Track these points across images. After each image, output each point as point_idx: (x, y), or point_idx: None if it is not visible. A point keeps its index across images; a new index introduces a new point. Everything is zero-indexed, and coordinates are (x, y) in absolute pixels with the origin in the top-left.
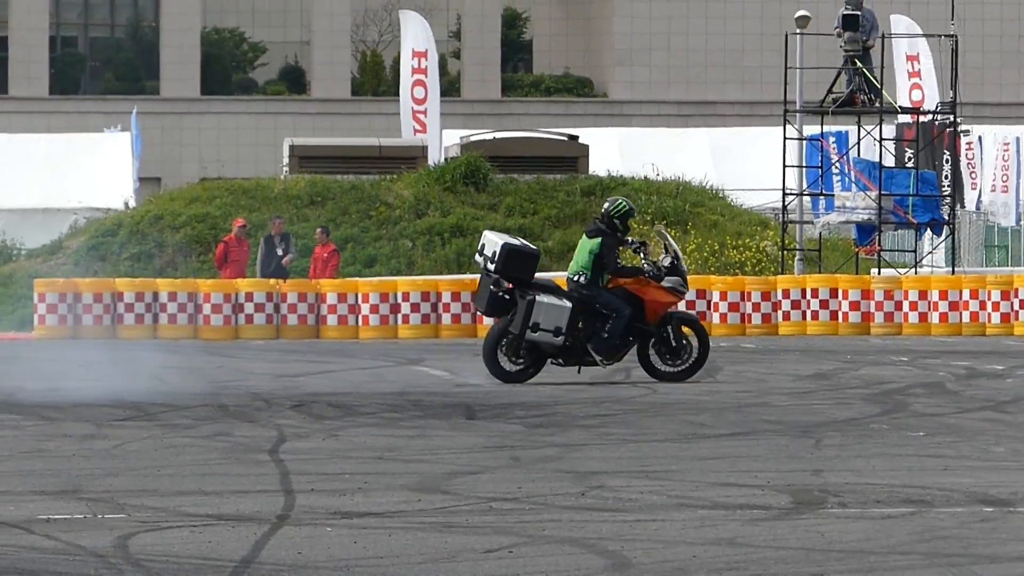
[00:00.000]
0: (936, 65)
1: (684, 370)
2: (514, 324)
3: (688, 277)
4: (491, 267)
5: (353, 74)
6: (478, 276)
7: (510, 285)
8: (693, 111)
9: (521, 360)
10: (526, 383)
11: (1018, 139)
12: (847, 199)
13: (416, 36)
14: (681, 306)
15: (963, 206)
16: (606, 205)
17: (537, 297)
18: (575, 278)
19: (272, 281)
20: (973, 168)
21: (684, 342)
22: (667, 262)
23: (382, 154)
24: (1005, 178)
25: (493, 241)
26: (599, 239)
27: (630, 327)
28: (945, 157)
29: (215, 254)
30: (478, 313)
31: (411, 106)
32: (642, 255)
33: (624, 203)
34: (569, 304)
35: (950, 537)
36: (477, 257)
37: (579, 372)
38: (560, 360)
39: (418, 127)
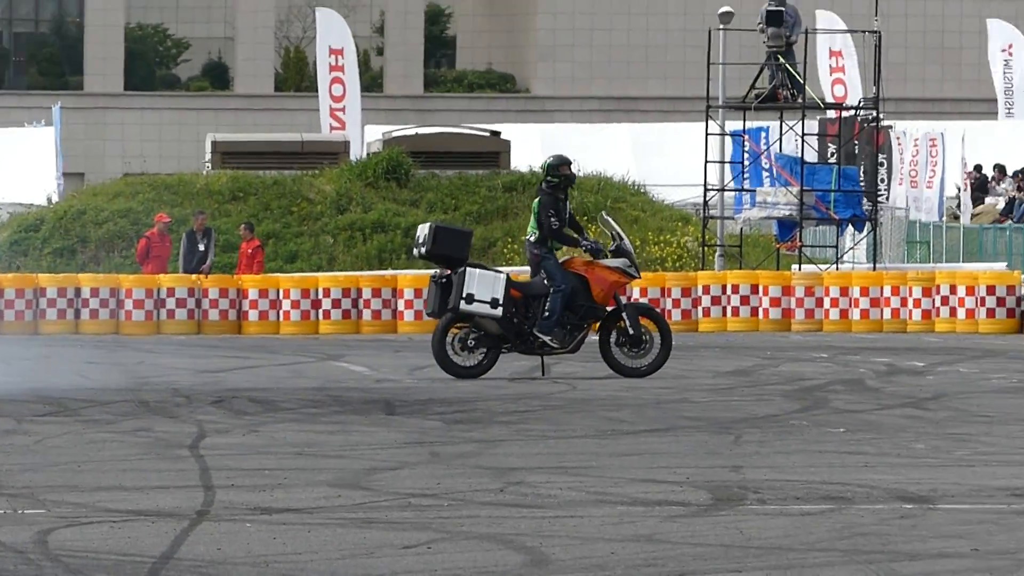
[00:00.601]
0: (859, 61)
1: (649, 365)
2: (451, 299)
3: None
4: (424, 251)
5: (276, 70)
6: (399, 272)
7: (447, 271)
8: (615, 107)
9: (473, 353)
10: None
11: (943, 135)
12: (768, 195)
13: (333, 33)
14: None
15: (887, 201)
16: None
17: (469, 268)
18: (528, 239)
19: (194, 276)
20: (904, 165)
21: (644, 332)
22: (612, 247)
23: (304, 150)
24: (932, 174)
25: (423, 228)
26: (537, 198)
27: (579, 308)
28: (866, 152)
29: (137, 249)
30: (425, 316)
31: (329, 103)
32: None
33: (549, 158)
34: (503, 274)
35: (870, 534)
36: (415, 251)
37: (544, 375)
38: (510, 345)
39: (336, 124)
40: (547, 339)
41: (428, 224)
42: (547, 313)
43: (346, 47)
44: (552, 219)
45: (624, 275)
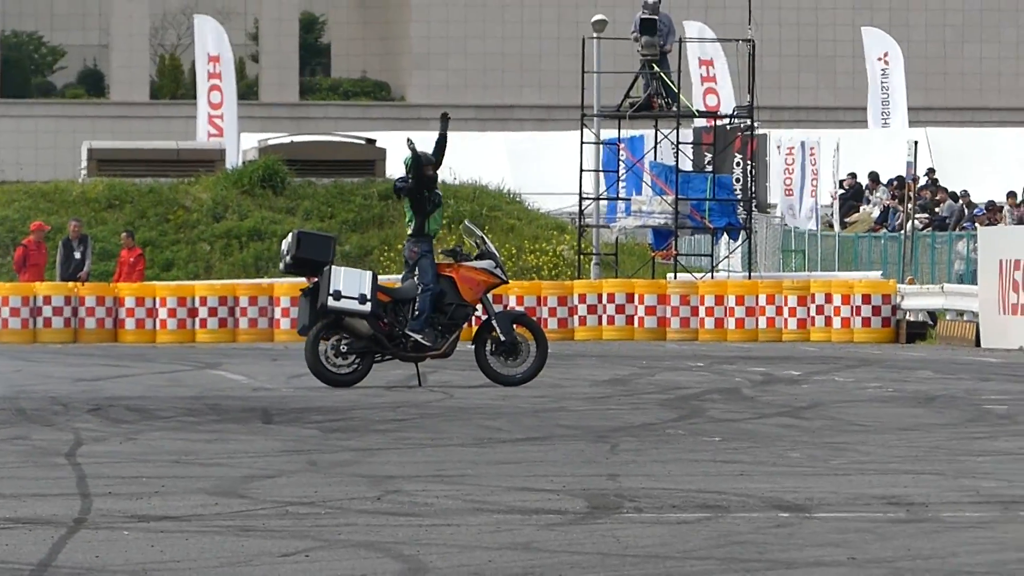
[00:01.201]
0: (732, 70)
1: (525, 372)
2: (319, 297)
3: None
4: (289, 259)
5: (152, 77)
6: (276, 280)
7: (315, 280)
8: (490, 115)
9: (346, 360)
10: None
11: (819, 143)
12: (643, 203)
13: (210, 40)
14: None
15: (763, 211)
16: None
17: (334, 267)
18: (409, 236)
19: (70, 284)
20: (789, 174)
21: (518, 340)
22: (477, 253)
23: (180, 157)
24: (814, 183)
25: (287, 240)
26: (405, 198)
27: (448, 307)
28: (736, 160)
29: (14, 258)
30: (298, 333)
31: (207, 110)
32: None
33: (406, 158)
34: (370, 272)
35: (746, 542)
36: (280, 265)
37: (420, 383)
38: (383, 352)
39: (214, 131)
40: (419, 337)
41: (291, 232)
42: (417, 312)
43: (223, 54)
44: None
45: (491, 276)
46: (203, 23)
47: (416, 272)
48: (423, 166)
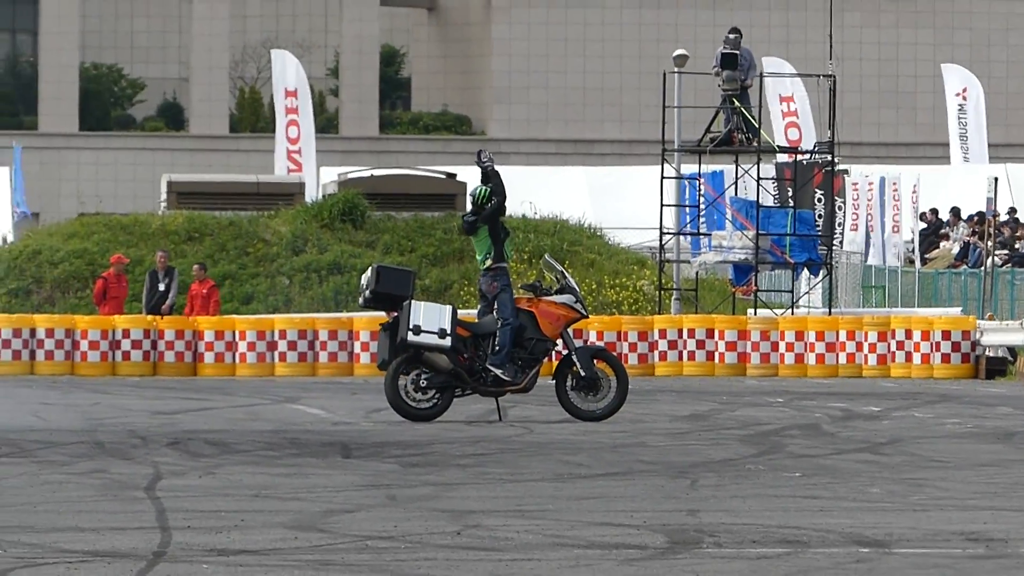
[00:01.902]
0: (813, 105)
1: (605, 407)
2: (398, 334)
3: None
4: (368, 294)
5: (231, 111)
6: (355, 314)
7: (395, 314)
8: (571, 149)
9: (426, 395)
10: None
11: (899, 177)
12: (724, 239)
13: (287, 75)
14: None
15: (837, 246)
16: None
17: (414, 301)
18: (483, 265)
19: (149, 317)
20: (856, 208)
21: (599, 375)
22: (557, 287)
23: (260, 191)
24: (896, 219)
25: (367, 274)
26: (481, 226)
27: (528, 342)
28: (817, 196)
29: (94, 290)
30: (378, 367)
31: (286, 145)
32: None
33: (476, 189)
34: (450, 306)
35: None
36: (360, 300)
37: (500, 418)
38: (463, 387)
39: (292, 166)
40: (499, 372)
41: (371, 267)
42: (496, 347)
43: (300, 89)
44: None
45: (571, 310)
46: (280, 58)
47: (495, 306)
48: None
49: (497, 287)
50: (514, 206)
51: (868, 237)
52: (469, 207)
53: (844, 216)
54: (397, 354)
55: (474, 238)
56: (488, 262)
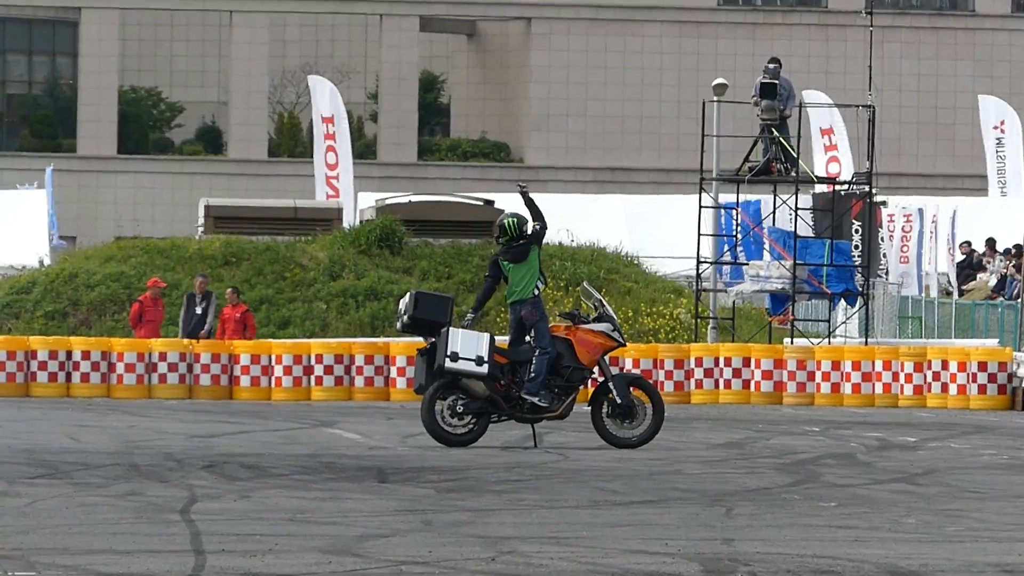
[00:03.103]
0: (852, 135)
1: (641, 434)
2: (436, 360)
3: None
4: (406, 319)
5: (270, 135)
6: (392, 339)
7: (432, 340)
8: (609, 177)
9: (462, 420)
10: (453, 446)
11: (937, 208)
12: (761, 268)
13: (325, 102)
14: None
15: (880, 276)
16: (500, 232)
17: (451, 328)
18: (523, 298)
19: (185, 341)
20: (906, 240)
21: (635, 403)
22: (595, 315)
23: (297, 215)
24: (931, 250)
25: (404, 298)
26: (530, 248)
27: (565, 370)
28: (855, 227)
29: (131, 314)
30: (415, 391)
31: (324, 171)
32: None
33: (511, 219)
34: (487, 334)
35: None
36: (397, 325)
37: (536, 444)
38: (499, 413)
39: (331, 192)
40: (535, 400)
41: (409, 292)
42: (533, 374)
43: (337, 115)
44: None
45: (608, 338)
46: (318, 84)
47: (532, 334)
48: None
49: (537, 315)
50: (551, 234)
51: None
52: (499, 237)
53: (891, 248)
54: (434, 380)
55: (516, 266)
56: (538, 289)
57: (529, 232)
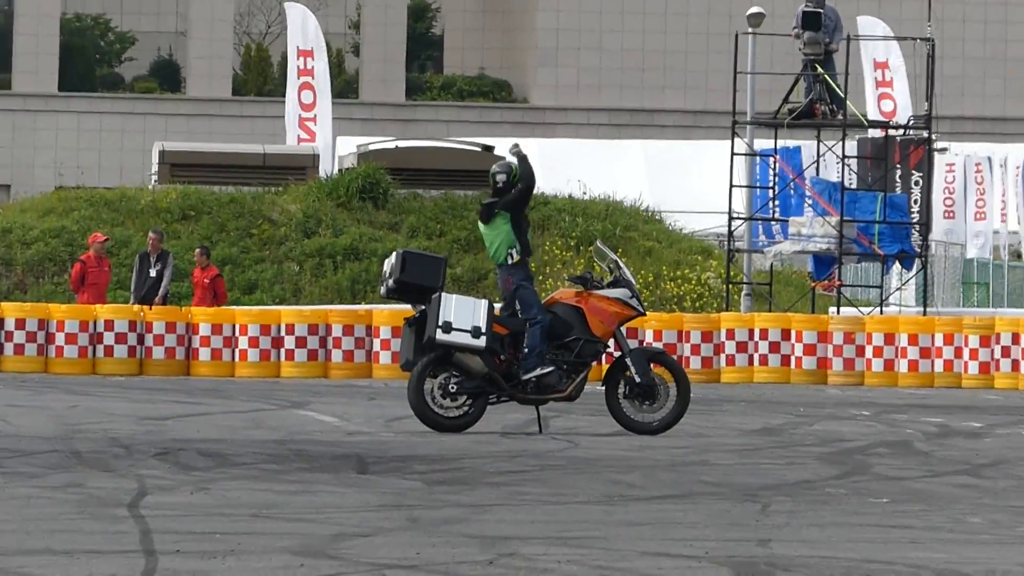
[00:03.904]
0: (910, 73)
1: (663, 418)
2: (426, 331)
3: None
4: (392, 283)
5: (235, 71)
6: (375, 306)
7: (422, 308)
8: (627, 120)
9: (456, 401)
10: (446, 431)
11: (1006, 157)
12: (803, 225)
13: (302, 32)
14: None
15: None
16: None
17: (444, 294)
18: (499, 264)
19: (136, 308)
20: (952, 193)
21: (656, 382)
22: (610, 279)
23: (267, 163)
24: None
25: (389, 259)
26: (494, 209)
27: (575, 344)
28: (914, 178)
29: (71, 275)
30: (401, 368)
31: (297, 112)
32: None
33: (493, 169)
34: (485, 300)
35: None
36: (381, 290)
37: (541, 430)
38: (498, 393)
39: (305, 135)
40: (534, 375)
41: (395, 252)
42: (527, 349)
43: (316, 48)
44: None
45: (625, 307)
46: (294, 12)
47: (517, 306)
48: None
49: (513, 282)
50: (561, 185)
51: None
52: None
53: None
54: (423, 354)
55: (486, 227)
56: (512, 256)
57: (504, 187)
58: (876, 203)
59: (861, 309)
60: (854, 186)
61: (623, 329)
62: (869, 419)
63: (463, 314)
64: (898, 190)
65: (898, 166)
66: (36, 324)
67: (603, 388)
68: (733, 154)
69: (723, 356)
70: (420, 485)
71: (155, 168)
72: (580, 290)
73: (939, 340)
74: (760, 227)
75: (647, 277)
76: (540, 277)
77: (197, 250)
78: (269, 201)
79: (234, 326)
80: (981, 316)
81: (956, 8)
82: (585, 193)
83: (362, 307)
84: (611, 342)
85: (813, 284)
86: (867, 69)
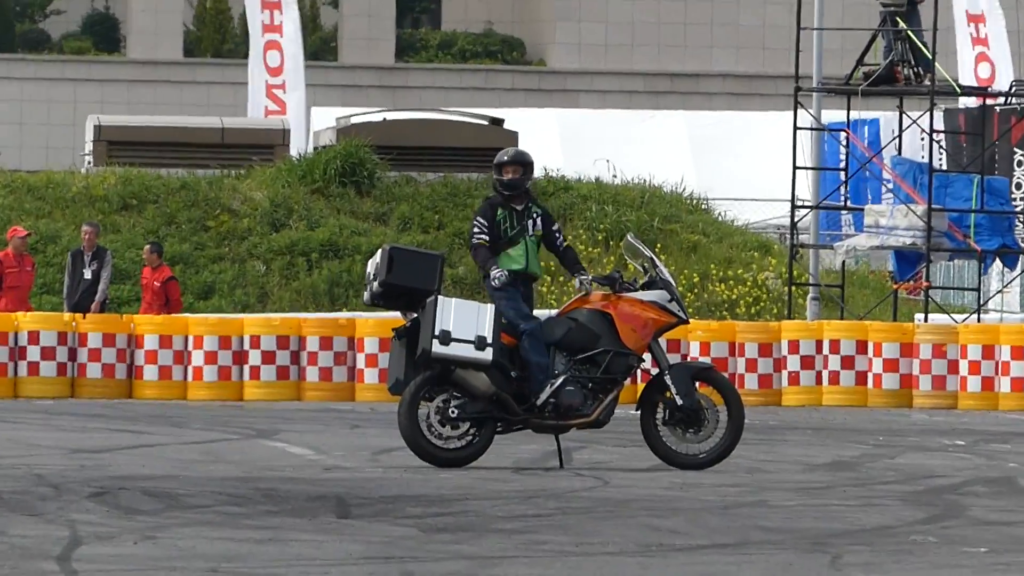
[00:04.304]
0: (1011, 29)
1: (711, 450)
2: (420, 341)
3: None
4: (377, 286)
5: (186, 26)
6: (358, 314)
7: (412, 313)
8: (666, 87)
9: (457, 429)
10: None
11: None
12: (882, 215)
13: None
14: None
15: None
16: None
17: (442, 298)
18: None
19: (68, 316)
20: None
21: (703, 405)
22: (644, 280)
23: (225, 140)
24: None
25: (375, 258)
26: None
27: (602, 357)
28: (1017, 158)
29: None
30: (389, 391)
31: (264, 78)
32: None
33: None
34: (491, 306)
35: None
36: (365, 295)
37: (562, 465)
38: (509, 416)
39: (273, 107)
40: (547, 396)
41: (381, 248)
42: (530, 366)
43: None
44: (475, 231)
45: (663, 312)
46: None
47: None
48: (505, 165)
49: (488, 290)
50: (585, 167)
51: None
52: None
53: None
54: (417, 372)
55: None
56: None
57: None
58: (971, 188)
59: (954, 316)
60: (944, 167)
61: (661, 340)
62: (963, 450)
63: (465, 322)
64: (997, 172)
65: (997, 143)
66: None
67: (638, 413)
68: (796, 128)
69: (785, 373)
70: (414, 532)
71: (89, 147)
72: (607, 292)
73: None
74: (829, 217)
75: (692, 278)
76: (561, 277)
77: (147, 247)
78: (229, 187)
79: (186, 338)
80: None
81: None
82: (615, 176)
83: (343, 315)
84: (646, 356)
85: (895, 286)
86: (959, 23)
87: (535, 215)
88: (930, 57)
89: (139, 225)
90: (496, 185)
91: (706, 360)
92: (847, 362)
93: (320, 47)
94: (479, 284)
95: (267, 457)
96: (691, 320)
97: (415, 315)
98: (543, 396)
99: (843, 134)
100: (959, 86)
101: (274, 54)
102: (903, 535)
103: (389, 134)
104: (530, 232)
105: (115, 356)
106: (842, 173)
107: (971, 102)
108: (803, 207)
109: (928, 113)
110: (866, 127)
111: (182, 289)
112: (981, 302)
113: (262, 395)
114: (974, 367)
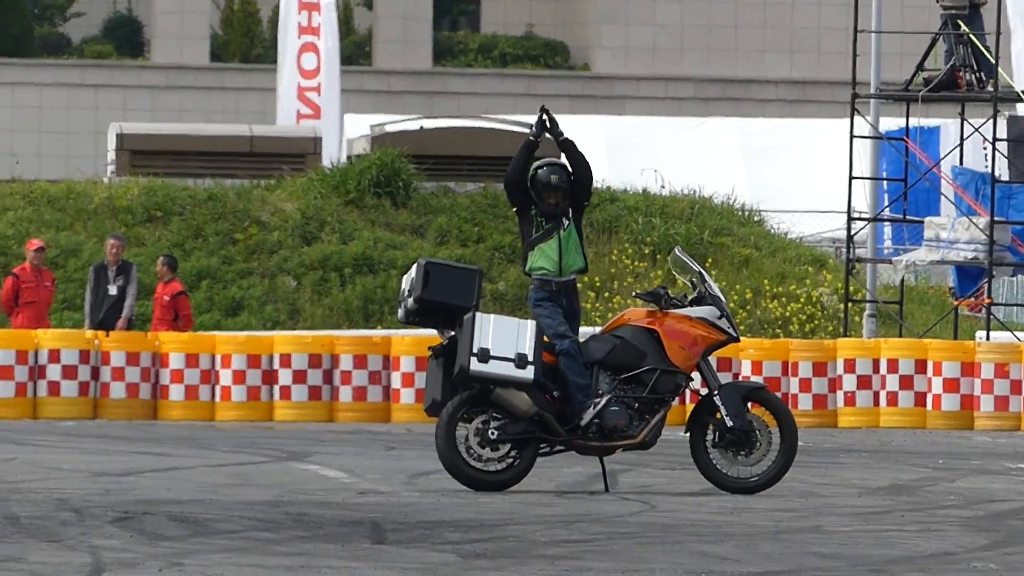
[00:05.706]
0: None
1: (763, 473)
2: (458, 359)
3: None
4: (412, 303)
5: (213, 29)
6: (394, 332)
7: (449, 331)
8: (717, 93)
9: (497, 451)
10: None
11: None
12: (942, 228)
13: None
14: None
15: None
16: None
17: (480, 314)
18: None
19: (90, 334)
20: None
21: (754, 426)
22: (693, 295)
23: (254, 148)
24: None
25: (410, 273)
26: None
27: (648, 376)
28: None
29: (3, 291)
30: (426, 411)
31: (297, 82)
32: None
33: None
34: (532, 322)
35: None
36: (399, 312)
37: (607, 488)
38: (551, 437)
39: (307, 110)
40: (590, 416)
41: (416, 263)
42: (568, 386)
43: (323, 1)
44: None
45: (713, 329)
46: None
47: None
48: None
49: (530, 303)
50: (632, 176)
51: None
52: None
53: None
54: (455, 392)
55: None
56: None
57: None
58: None
59: (1017, 334)
60: (1008, 178)
61: (711, 359)
62: None
63: (504, 339)
64: None
65: None
66: None
67: (686, 435)
68: (853, 136)
69: (840, 394)
70: (453, 559)
71: (111, 156)
72: (654, 308)
73: None
74: (888, 230)
75: (743, 294)
76: (606, 293)
77: (160, 259)
78: (258, 198)
79: (214, 356)
80: None
81: None
82: (663, 187)
83: (377, 333)
84: (695, 375)
85: (956, 303)
86: (1016, 26)
87: (568, 210)
88: (993, 62)
89: (164, 238)
90: (535, 195)
91: (758, 379)
92: (905, 382)
93: (353, 51)
94: (520, 300)
95: (299, 481)
96: (742, 338)
97: (452, 332)
98: (587, 416)
99: (903, 143)
100: (1022, 92)
101: (310, 56)
102: (964, 562)
103: (426, 143)
104: (564, 227)
105: (139, 375)
106: (902, 184)
107: None
108: (860, 219)
109: (991, 120)
110: (928, 135)
111: (207, 305)
112: None
113: (293, 416)
114: None
